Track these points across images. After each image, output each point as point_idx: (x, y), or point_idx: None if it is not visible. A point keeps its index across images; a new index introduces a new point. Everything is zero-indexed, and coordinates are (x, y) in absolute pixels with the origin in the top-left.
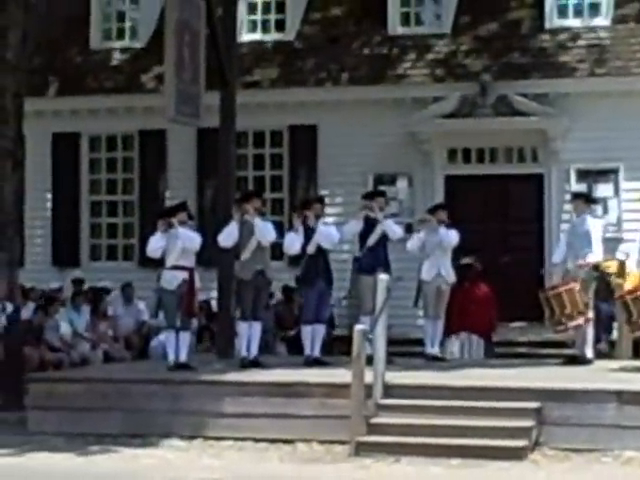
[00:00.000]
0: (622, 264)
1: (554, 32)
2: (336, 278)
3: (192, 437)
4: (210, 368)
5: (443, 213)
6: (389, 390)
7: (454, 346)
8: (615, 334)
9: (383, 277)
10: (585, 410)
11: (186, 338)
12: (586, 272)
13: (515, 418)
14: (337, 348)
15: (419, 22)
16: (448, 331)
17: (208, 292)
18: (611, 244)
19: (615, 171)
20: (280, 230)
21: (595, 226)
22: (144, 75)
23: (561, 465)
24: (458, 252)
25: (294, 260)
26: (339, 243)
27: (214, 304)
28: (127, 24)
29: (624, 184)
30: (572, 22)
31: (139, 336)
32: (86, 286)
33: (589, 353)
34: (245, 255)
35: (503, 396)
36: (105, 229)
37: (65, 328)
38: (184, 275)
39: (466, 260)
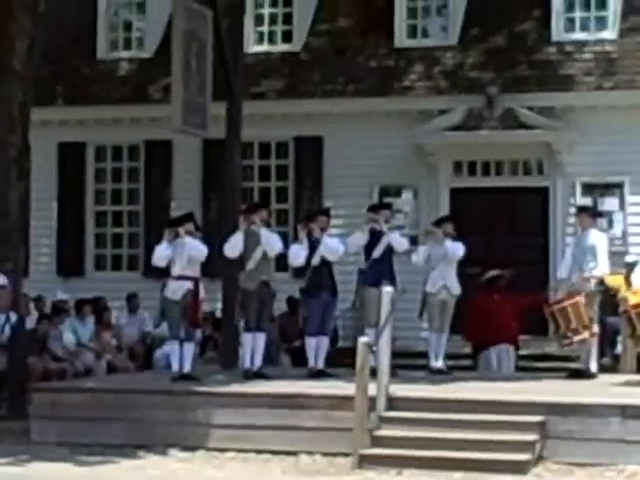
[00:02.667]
0: (627, 278)
1: (561, 45)
2: (340, 290)
3: (195, 448)
4: (214, 379)
5: (449, 225)
6: (392, 403)
7: (493, 358)
8: (619, 348)
9: (388, 289)
10: (589, 424)
11: (190, 349)
12: (591, 286)
13: (518, 432)
14: (341, 360)
15: (426, 34)
16: (484, 343)
17: (213, 303)
18: (616, 258)
19: (620, 185)
20: (285, 241)
21: (601, 240)
22: (151, 85)
23: (564, 479)
24: (463, 264)
25: (299, 272)
26: (343, 255)
27: (219, 315)
28: (134, 34)
29: (630, 198)
30: (579, 35)
31: (143, 346)
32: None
33: (593, 367)
34: (250, 265)
35: (507, 409)
36: (110, 239)
37: (69, 338)
38: (189, 285)
39: (495, 272)
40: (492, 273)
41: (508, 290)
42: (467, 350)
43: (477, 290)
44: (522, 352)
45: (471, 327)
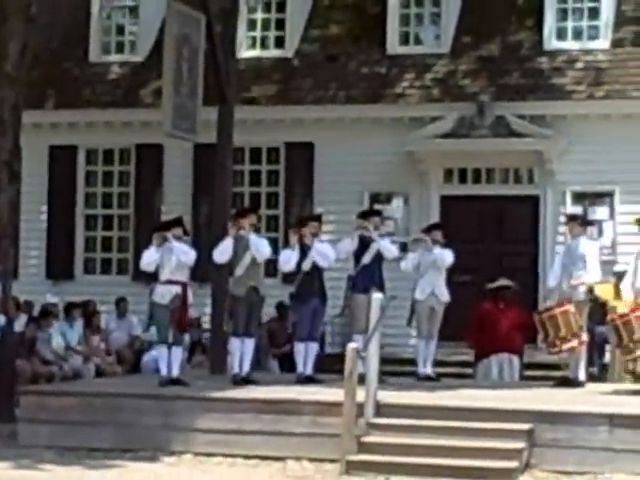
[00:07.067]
0: (617, 287)
1: (552, 54)
2: (329, 296)
3: (183, 452)
4: (202, 384)
5: (438, 233)
6: (381, 409)
7: (493, 367)
8: (608, 357)
9: (377, 296)
10: (577, 433)
11: (178, 353)
12: (581, 294)
13: (506, 439)
14: (329, 366)
15: (418, 42)
16: (484, 352)
17: (202, 308)
18: (605, 267)
19: (611, 194)
20: (275, 247)
21: (591, 248)
22: (142, 89)
23: None
24: (452, 272)
25: (288, 277)
26: (333, 261)
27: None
28: (126, 38)
29: (619, 207)
30: (571, 45)
31: (131, 350)
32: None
33: (582, 376)
34: (239, 271)
35: (495, 417)
36: (100, 243)
37: (57, 341)
38: (177, 289)
39: (502, 282)
40: (499, 283)
41: (513, 302)
42: (457, 358)
43: (483, 297)
44: None
45: (475, 334)
